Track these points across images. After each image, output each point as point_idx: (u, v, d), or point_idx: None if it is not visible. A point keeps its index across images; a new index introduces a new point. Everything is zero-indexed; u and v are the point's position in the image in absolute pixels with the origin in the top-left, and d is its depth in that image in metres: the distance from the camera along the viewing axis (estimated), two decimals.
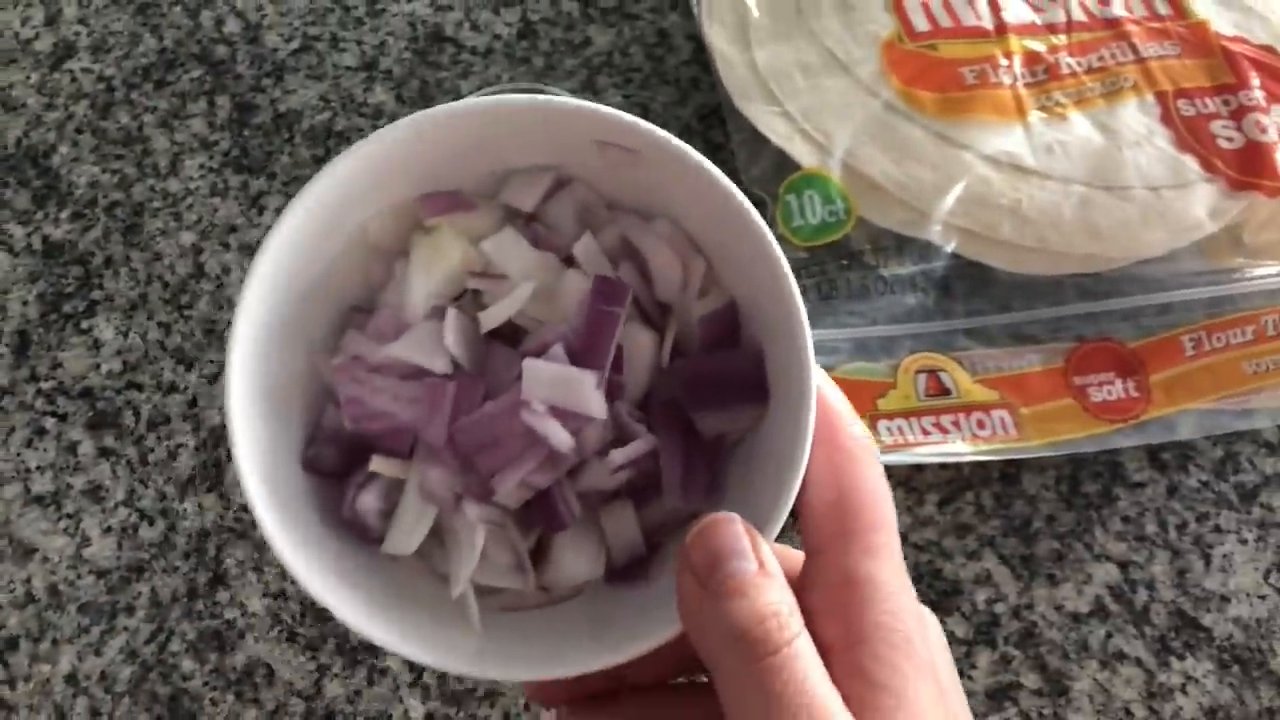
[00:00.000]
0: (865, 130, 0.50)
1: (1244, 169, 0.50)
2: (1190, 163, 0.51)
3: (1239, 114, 0.52)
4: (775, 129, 0.51)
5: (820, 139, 0.50)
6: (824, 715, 0.24)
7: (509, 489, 0.30)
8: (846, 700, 0.25)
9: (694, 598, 0.27)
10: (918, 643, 0.26)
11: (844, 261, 0.49)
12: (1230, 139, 0.51)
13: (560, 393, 0.30)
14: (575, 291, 0.32)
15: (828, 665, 0.25)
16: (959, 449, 0.46)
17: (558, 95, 0.34)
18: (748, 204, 0.30)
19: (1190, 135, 0.51)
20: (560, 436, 0.30)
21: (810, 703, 0.24)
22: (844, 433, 0.29)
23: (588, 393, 0.30)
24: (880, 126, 0.50)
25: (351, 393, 0.31)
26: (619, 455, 0.31)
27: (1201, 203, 0.50)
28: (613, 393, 0.31)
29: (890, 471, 0.47)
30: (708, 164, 0.31)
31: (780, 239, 0.49)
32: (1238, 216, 0.50)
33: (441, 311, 0.32)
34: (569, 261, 0.33)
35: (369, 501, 0.32)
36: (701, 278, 0.33)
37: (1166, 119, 0.52)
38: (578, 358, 0.31)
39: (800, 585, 0.27)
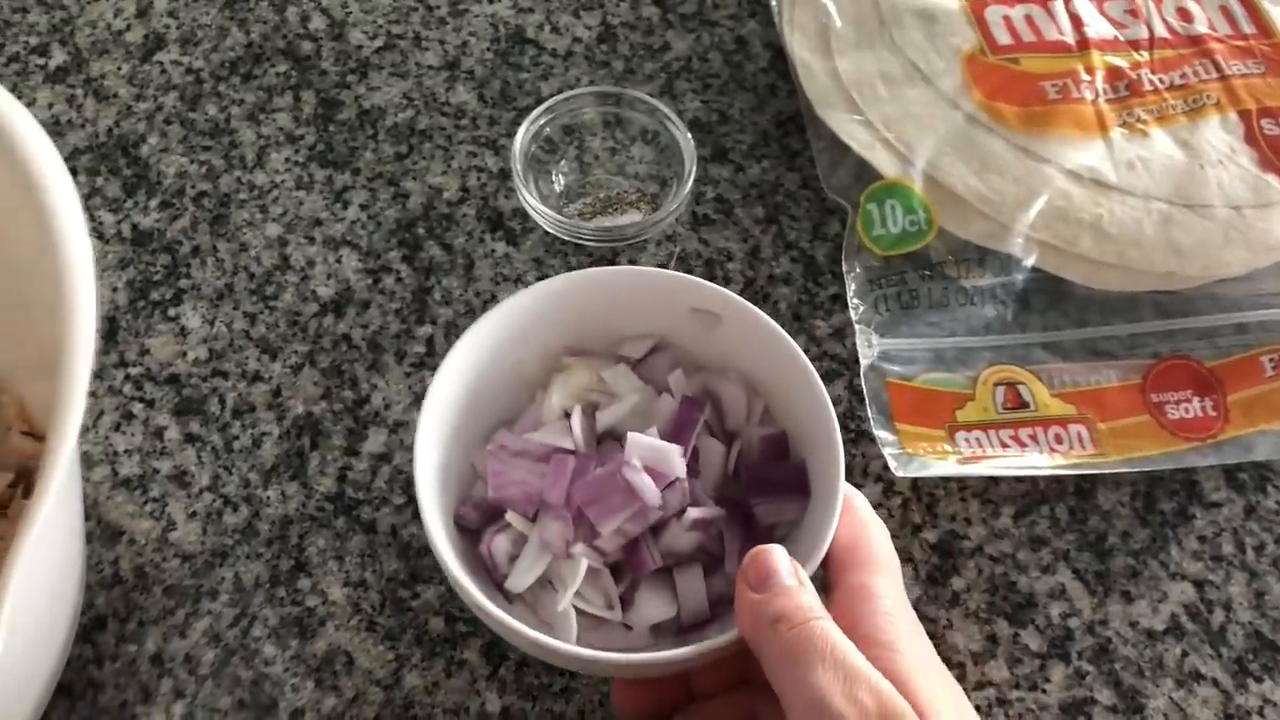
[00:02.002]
0: (947, 141, 0.50)
1: None
2: (1274, 182, 0.50)
3: None
4: (857, 137, 0.51)
5: (902, 149, 0.50)
6: (843, 655, 0.32)
7: (609, 533, 0.40)
8: None
9: (747, 600, 0.35)
10: (910, 624, 0.35)
11: (925, 272, 0.49)
12: None
13: (652, 456, 0.40)
14: (667, 409, 0.43)
15: None
16: (1036, 462, 0.46)
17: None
18: (803, 357, 0.42)
19: (1274, 154, 0.51)
20: (651, 489, 0.40)
21: (833, 650, 0.32)
22: (858, 510, 0.39)
23: (673, 458, 0.41)
24: (962, 138, 0.51)
25: (497, 469, 0.42)
26: (694, 511, 0.41)
27: None
28: (693, 471, 0.42)
29: (966, 484, 0.47)
30: (774, 325, 0.42)
31: (861, 247, 0.50)
32: None
33: (569, 414, 0.43)
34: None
35: (501, 543, 0.41)
36: (760, 412, 0.44)
37: (1250, 138, 0.52)
38: (665, 438, 0.41)
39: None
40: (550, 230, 0.51)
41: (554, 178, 0.53)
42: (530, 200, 0.50)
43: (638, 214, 0.52)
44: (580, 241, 0.51)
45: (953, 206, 0.50)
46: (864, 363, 0.48)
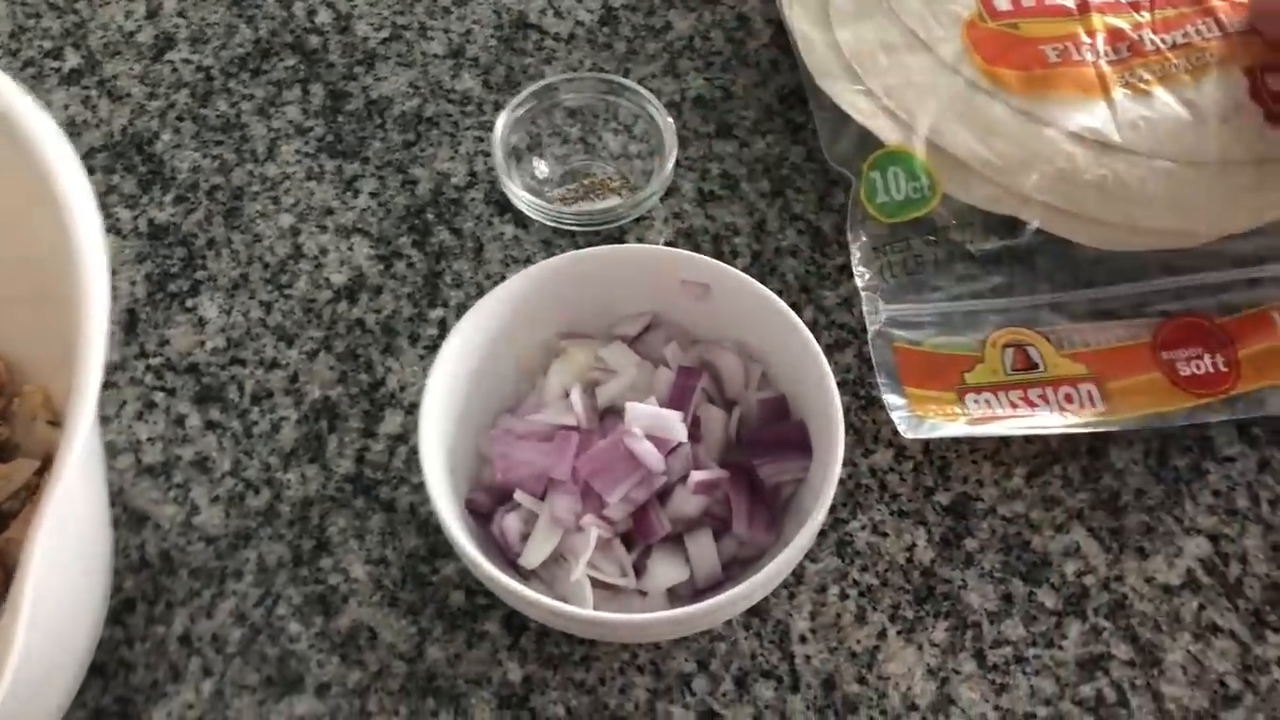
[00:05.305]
0: (949, 108, 0.51)
1: None
2: None
3: None
4: (858, 107, 0.51)
5: (904, 116, 0.51)
6: None
7: (616, 501, 0.41)
8: None
9: None
10: None
11: (929, 237, 0.50)
12: None
13: (653, 423, 0.41)
14: (664, 381, 0.44)
15: None
16: (1047, 422, 0.46)
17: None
18: (793, 315, 0.42)
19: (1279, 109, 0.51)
20: (653, 455, 0.41)
21: None
22: None
23: (673, 423, 0.41)
24: (964, 104, 0.51)
25: (503, 451, 0.43)
26: (698, 474, 0.42)
27: None
28: (695, 438, 0.43)
29: (977, 445, 0.47)
30: (765, 290, 0.43)
31: (865, 216, 0.50)
32: None
33: (569, 393, 0.44)
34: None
35: (512, 522, 0.42)
36: (759, 379, 0.45)
37: (1255, 94, 0.51)
38: (666, 408, 0.42)
39: None
40: (534, 216, 0.52)
41: (535, 166, 0.54)
42: (512, 187, 0.51)
43: (618, 199, 0.53)
44: (562, 227, 0.52)
45: (956, 172, 0.50)
46: (871, 329, 0.48)
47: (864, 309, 0.49)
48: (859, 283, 0.49)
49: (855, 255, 0.50)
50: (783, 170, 0.54)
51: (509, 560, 0.42)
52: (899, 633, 0.44)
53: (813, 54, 0.53)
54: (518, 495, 0.42)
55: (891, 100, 0.51)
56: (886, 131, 0.50)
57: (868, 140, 0.51)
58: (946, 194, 0.50)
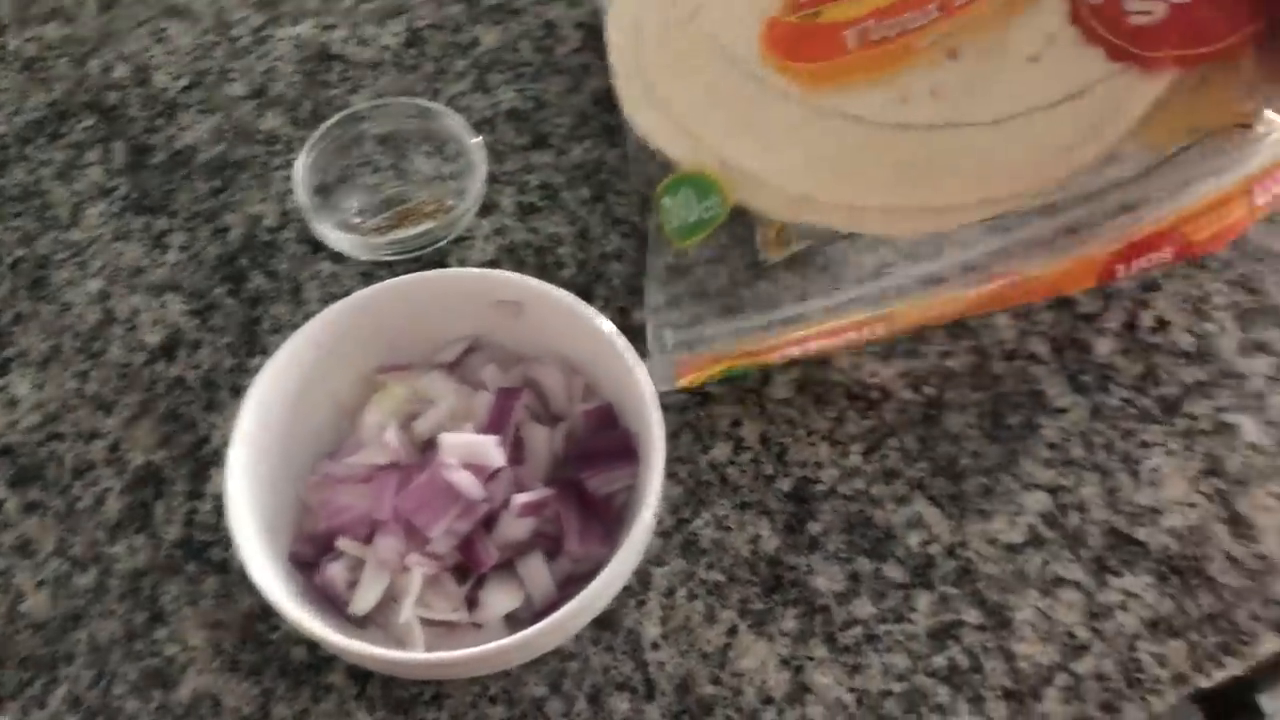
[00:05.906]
0: (740, 119, 0.48)
1: (1159, 42, 0.46)
2: (1097, 57, 0.48)
3: None
4: (656, 131, 0.49)
5: (698, 133, 0.49)
6: None
7: (439, 535, 0.40)
8: None
9: None
10: None
11: (723, 254, 0.49)
12: (1149, 11, 0.46)
13: (468, 452, 0.41)
14: (484, 404, 0.43)
15: None
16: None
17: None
18: (609, 328, 0.42)
19: (1100, 24, 0.47)
20: (471, 484, 0.40)
21: None
22: None
23: (490, 449, 0.41)
24: (756, 111, 0.48)
25: (323, 497, 0.42)
26: (520, 497, 0.41)
27: (1110, 102, 0.48)
28: (519, 460, 0.42)
29: (813, 429, 0.47)
30: (574, 300, 0.43)
31: (665, 241, 0.49)
32: (1160, 99, 0.48)
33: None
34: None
35: (336, 571, 0.41)
36: (582, 390, 0.45)
37: (1075, 16, 0.49)
38: (484, 433, 0.42)
39: None
40: (348, 252, 0.51)
41: (345, 200, 0.52)
42: (320, 228, 0.50)
43: (433, 222, 0.51)
44: (380, 259, 0.51)
45: (750, 185, 0.47)
46: (654, 353, 0.47)
47: (649, 342, 0.47)
48: (647, 314, 0.48)
49: (647, 287, 0.48)
50: (601, 175, 0.54)
51: (341, 610, 0.41)
52: (749, 627, 0.43)
53: (622, 75, 0.52)
54: (339, 542, 0.41)
55: (687, 119, 0.49)
56: (680, 153, 0.48)
57: (667, 164, 0.49)
58: (742, 209, 0.47)
